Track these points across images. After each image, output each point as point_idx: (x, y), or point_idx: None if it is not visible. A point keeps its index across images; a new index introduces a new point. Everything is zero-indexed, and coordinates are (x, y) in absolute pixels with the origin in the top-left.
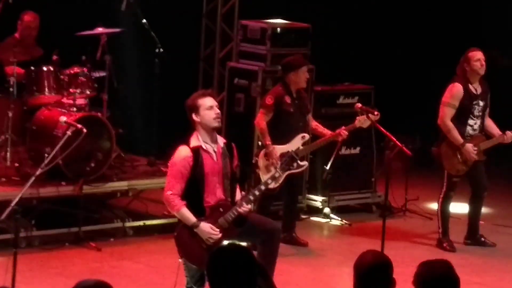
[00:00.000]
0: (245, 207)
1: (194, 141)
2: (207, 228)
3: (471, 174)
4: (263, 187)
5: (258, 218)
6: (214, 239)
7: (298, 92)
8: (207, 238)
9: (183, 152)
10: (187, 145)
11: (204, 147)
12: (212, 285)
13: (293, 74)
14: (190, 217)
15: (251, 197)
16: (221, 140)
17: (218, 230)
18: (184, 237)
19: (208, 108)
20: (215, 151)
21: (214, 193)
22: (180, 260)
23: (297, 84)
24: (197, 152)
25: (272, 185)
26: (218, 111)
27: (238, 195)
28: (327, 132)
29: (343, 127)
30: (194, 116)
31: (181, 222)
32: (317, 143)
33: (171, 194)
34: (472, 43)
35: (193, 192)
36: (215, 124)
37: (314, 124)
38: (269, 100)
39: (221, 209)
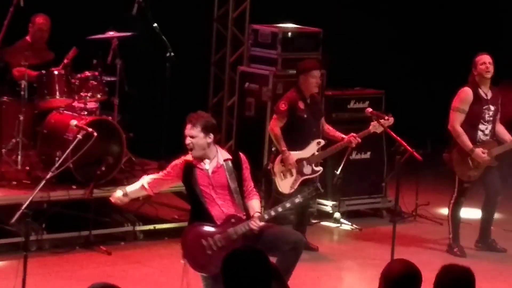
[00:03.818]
0: (256, 224)
1: (189, 155)
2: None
3: (485, 179)
4: (280, 209)
5: (280, 230)
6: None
7: (312, 96)
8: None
9: (178, 165)
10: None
11: (194, 162)
12: (226, 287)
13: (302, 77)
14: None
15: (266, 216)
16: (222, 157)
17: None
18: (189, 240)
19: (184, 135)
20: (207, 168)
21: (217, 206)
22: (182, 261)
23: (307, 88)
24: (189, 164)
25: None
26: (188, 141)
27: (256, 207)
28: (339, 135)
29: (352, 134)
30: None
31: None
32: (331, 149)
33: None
34: (487, 48)
35: (196, 202)
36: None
37: (326, 127)
38: (282, 106)
39: (233, 220)
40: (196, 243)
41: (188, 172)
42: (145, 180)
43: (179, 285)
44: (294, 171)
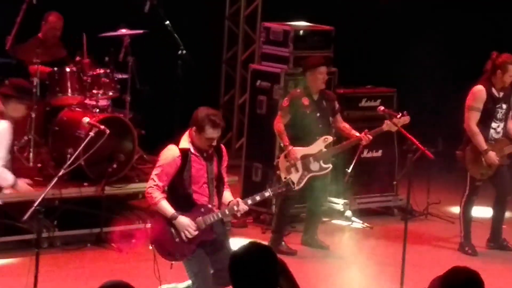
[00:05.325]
0: (242, 209)
1: (185, 142)
2: (185, 221)
3: (495, 178)
4: (250, 202)
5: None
6: (190, 234)
7: (323, 93)
8: (184, 231)
9: (171, 152)
10: (176, 144)
11: (193, 151)
12: (234, 285)
13: (309, 74)
14: (169, 209)
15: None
16: None
17: (195, 226)
18: (158, 227)
19: (209, 139)
20: (204, 156)
21: (202, 195)
22: (150, 247)
23: (315, 84)
24: (185, 153)
25: (266, 196)
26: (215, 143)
27: (229, 197)
28: (353, 134)
29: (366, 130)
30: (194, 130)
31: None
32: (341, 146)
33: (151, 187)
34: (496, 47)
35: (182, 192)
36: (205, 149)
37: (342, 125)
38: (285, 102)
39: (202, 210)
40: (165, 230)
41: (185, 161)
42: (160, 194)
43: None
44: (299, 167)
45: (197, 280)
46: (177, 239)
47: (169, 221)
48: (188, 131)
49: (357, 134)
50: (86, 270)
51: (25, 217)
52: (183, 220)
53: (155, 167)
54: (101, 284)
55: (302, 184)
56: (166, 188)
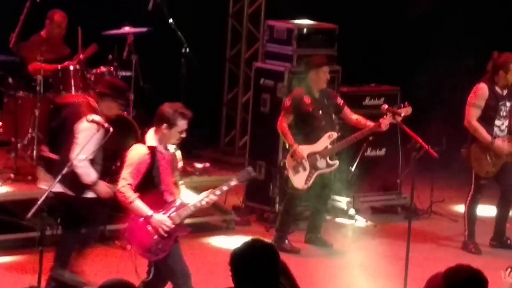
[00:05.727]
0: (210, 200)
1: (151, 140)
2: (162, 218)
3: (500, 176)
4: (218, 192)
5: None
6: (168, 228)
7: (324, 91)
8: (162, 227)
9: (140, 150)
10: (143, 143)
11: (159, 149)
12: (236, 282)
13: (313, 73)
14: (144, 208)
15: (213, 196)
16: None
17: (171, 221)
18: (136, 227)
19: (180, 132)
20: (168, 153)
21: (171, 191)
22: (128, 247)
23: (317, 83)
24: (153, 151)
25: (233, 184)
26: (185, 135)
27: (187, 194)
28: (369, 124)
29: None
30: (163, 127)
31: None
32: (346, 141)
33: (123, 187)
34: (499, 45)
35: (152, 189)
36: (175, 144)
37: (355, 117)
38: (287, 102)
39: (174, 205)
40: (142, 229)
41: (153, 158)
42: (134, 194)
43: (194, 280)
44: (307, 165)
45: (175, 278)
46: (155, 236)
47: (145, 220)
48: (153, 129)
49: (372, 124)
50: (90, 268)
51: (29, 215)
52: (159, 217)
53: (125, 167)
54: (102, 283)
55: (310, 182)
56: (135, 187)
